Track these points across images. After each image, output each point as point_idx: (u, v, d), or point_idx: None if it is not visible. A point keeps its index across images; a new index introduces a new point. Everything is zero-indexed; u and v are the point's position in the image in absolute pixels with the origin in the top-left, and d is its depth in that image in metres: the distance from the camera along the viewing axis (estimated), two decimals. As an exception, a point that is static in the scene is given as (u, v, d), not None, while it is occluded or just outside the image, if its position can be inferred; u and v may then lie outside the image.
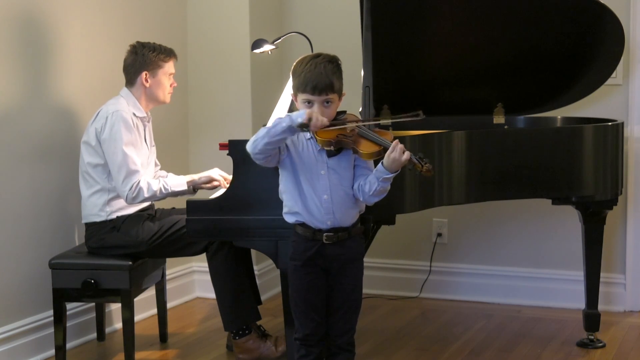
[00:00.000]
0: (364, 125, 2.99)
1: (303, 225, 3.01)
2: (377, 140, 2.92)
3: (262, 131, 2.92)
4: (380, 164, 2.92)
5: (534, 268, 4.75)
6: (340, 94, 2.98)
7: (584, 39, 4.09)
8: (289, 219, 3.04)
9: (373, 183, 2.93)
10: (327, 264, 3.01)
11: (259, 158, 2.95)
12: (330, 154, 2.96)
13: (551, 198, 4.01)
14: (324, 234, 2.98)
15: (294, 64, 3.00)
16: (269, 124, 3.82)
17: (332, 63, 2.96)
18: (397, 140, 2.89)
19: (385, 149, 2.90)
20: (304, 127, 2.85)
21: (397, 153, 2.86)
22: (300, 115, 2.87)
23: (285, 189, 3.03)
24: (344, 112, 3.03)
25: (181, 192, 3.85)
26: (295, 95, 2.99)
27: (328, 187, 2.96)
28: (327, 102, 2.94)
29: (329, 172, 2.97)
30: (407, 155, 2.86)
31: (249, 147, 2.95)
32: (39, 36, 3.93)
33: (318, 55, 2.98)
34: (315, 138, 2.94)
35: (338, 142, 2.92)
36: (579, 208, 4.00)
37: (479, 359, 3.95)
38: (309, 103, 2.94)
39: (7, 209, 3.79)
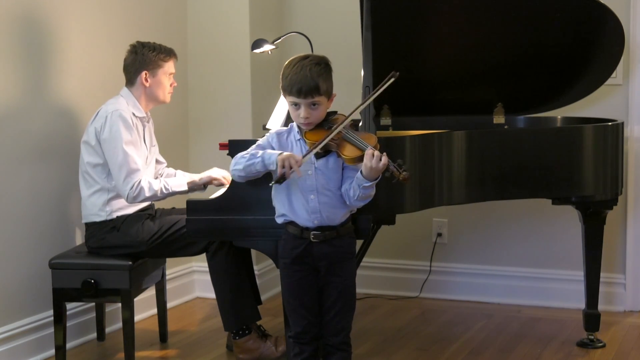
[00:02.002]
0: (353, 126, 2.99)
1: (292, 223, 3.02)
2: (360, 145, 2.91)
3: (240, 161, 2.97)
4: (359, 171, 2.91)
5: (534, 268, 4.75)
6: (328, 96, 2.97)
7: (584, 39, 4.09)
8: (279, 220, 3.08)
9: (355, 189, 2.93)
10: (316, 263, 3.02)
11: (239, 181, 3.07)
12: (318, 156, 2.97)
13: (551, 198, 4.01)
14: (311, 233, 2.99)
15: (284, 65, 3.00)
16: (269, 125, 3.86)
17: (319, 65, 2.95)
18: (372, 149, 2.86)
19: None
20: (282, 180, 2.87)
21: (373, 162, 2.84)
22: (272, 162, 2.90)
23: (275, 193, 3.05)
24: (335, 112, 3.03)
25: (182, 193, 3.86)
26: (284, 96, 3.00)
27: (315, 188, 2.97)
28: (314, 105, 2.94)
29: (316, 172, 2.97)
30: (384, 162, 2.84)
31: (230, 169, 3.04)
32: (39, 36, 3.93)
33: (306, 57, 2.98)
34: (305, 140, 2.95)
35: (324, 145, 2.92)
36: (579, 208, 4.00)
37: (479, 359, 3.95)
38: (296, 105, 2.95)
39: (7, 209, 3.79)
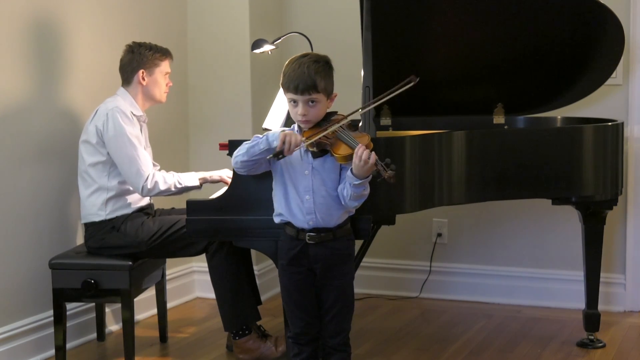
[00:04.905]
0: (351, 126, 2.99)
1: (289, 224, 3.03)
2: (352, 143, 2.91)
3: (242, 147, 2.97)
4: (349, 170, 2.91)
5: (534, 268, 4.75)
6: (328, 94, 2.97)
7: (584, 39, 4.09)
8: (276, 219, 3.08)
9: (348, 189, 2.93)
10: (312, 265, 3.02)
11: (241, 172, 3.04)
12: (315, 155, 2.97)
13: (551, 198, 4.01)
14: (307, 234, 2.99)
15: (285, 63, 3.01)
16: (265, 124, 3.86)
17: (318, 63, 2.95)
18: (360, 146, 2.86)
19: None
20: (280, 155, 2.87)
21: (360, 159, 2.84)
22: (275, 138, 2.90)
23: (275, 191, 3.06)
24: (335, 112, 3.03)
25: (192, 188, 3.86)
26: (285, 94, 3.01)
27: (310, 188, 2.97)
28: (312, 102, 2.94)
29: (312, 172, 2.97)
30: (372, 160, 2.84)
31: (232, 159, 3.02)
32: (39, 37, 3.93)
33: (305, 55, 2.99)
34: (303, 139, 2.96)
35: (319, 144, 2.93)
36: (579, 208, 4.00)
37: (479, 359, 3.95)
38: (294, 102, 2.96)
39: (7, 209, 3.79)
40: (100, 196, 3.80)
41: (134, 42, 3.90)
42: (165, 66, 3.92)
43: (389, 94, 3.03)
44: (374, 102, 3.09)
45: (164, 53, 3.92)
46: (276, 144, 2.89)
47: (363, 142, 2.91)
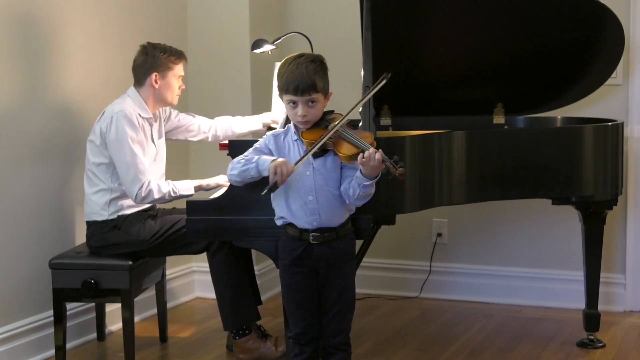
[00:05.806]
0: (349, 124, 2.99)
1: (291, 225, 3.02)
2: (356, 142, 2.91)
3: (236, 167, 2.99)
4: (359, 170, 2.91)
5: (534, 268, 4.75)
6: (325, 94, 2.98)
7: (584, 39, 4.09)
8: (278, 222, 3.08)
9: (355, 188, 2.93)
10: (315, 264, 3.02)
11: (237, 185, 3.07)
12: (315, 155, 2.97)
13: (551, 198, 4.01)
14: (310, 234, 2.99)
15: (279, 65, 3.01)
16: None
17: (315, 63, 2.96)
18: (370, 147, 2.86)
19: (364, 152, 2.88)
20: (274, 188, 2.87)
21: (372, 160, 2.85)
22: (265, 168, 2.90)
23: (275, 194, 3.05)
24: (332, 111, 3.03)
25: (187, 196, 3.85)
26: (280, 96, 3.00)
27: (313, 189, 2.97)
28: (311, 102, 2.94)
29: (314, 173, 2.97)
30: (378, 158, 2.84)
31: (227, 172, 3.06)
32: (39, 36, 3.93)
33: (301, 56, 2.99)
34: (302, 141, 2.96)
35: (321, 144, 2.92)
36: (579, 208, 4.00)
37: (479, 359, 3.95)
38: (293, 104, 2.95)
39: (7, 209, 3.79)
40: (104, 196, 3.80)
41: (148, 43, 3.85)
42: (179, 69, 3.87)
43: (365, 97, 3.08)
44: (355, 106, 3.09)
45: (179, 56, 3.87)
46: (267, 174, 2.89)
47: (367, 140, 2.91)
